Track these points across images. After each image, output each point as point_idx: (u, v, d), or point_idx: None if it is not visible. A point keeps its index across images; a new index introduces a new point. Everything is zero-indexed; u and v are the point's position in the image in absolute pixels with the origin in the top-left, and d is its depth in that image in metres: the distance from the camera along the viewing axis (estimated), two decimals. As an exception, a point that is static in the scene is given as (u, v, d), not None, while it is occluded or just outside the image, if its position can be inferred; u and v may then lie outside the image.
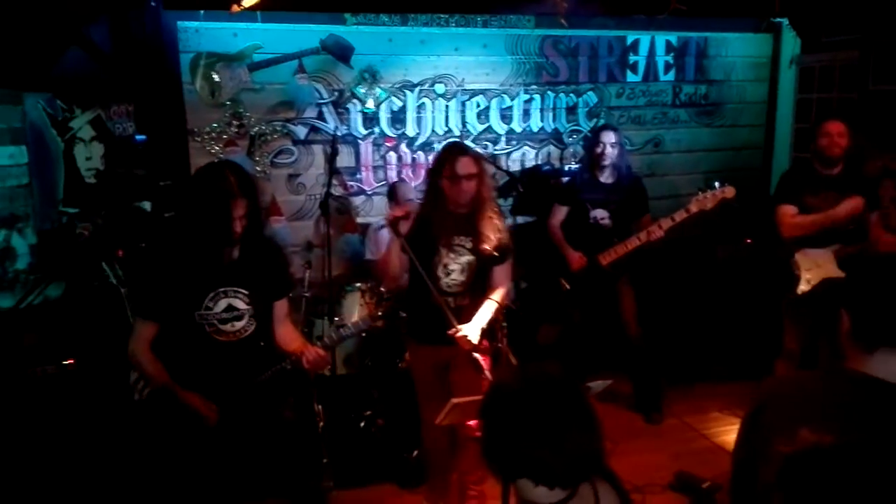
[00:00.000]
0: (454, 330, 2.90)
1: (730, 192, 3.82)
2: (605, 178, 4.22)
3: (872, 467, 1.31)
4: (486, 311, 3.06)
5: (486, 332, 3.08)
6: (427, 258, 3.00)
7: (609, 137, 4.15)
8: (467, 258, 3.06)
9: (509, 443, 1.43)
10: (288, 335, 2.65)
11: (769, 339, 4.06)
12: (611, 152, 4.13)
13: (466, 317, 3.02)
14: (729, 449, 3.81)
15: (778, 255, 3.84)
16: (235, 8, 2.56)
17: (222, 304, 2.43)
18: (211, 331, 2.43)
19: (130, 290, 3.45)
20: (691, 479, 3.53)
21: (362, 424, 3.82)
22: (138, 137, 4.22)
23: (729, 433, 4.08)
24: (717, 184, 3.86)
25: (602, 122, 5.22)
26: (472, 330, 2.95)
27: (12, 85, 3.76)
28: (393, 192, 4.47)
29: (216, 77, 4.36)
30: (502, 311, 3.15)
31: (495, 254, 3.06)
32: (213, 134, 4.45)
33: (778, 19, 5.37)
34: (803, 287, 3.69)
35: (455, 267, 3.06)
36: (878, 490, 1.29)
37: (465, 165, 2.97)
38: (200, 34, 4.33)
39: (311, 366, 2.55)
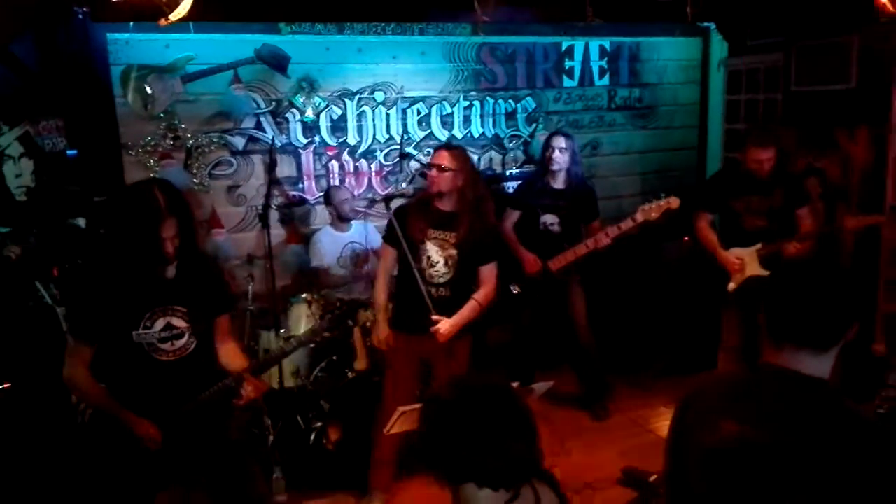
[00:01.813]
0: (436, 318, 3.15)
1: (675, 202, 3.95)
2: (557, 183, 4.30)
3: (787, 457, 1.38)
4: (467, 309, 3.30)
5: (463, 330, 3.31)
6: (414, 249, 3.23)
7: (559, 143, 4.23)
8: (450, 252, 3.26)
9: (451, 450, 1.48)
10: (230, 353, 2.62)
11: (712, 334, 4.21)
12: (559, 157, 4.21)
13: (447, 308, 3.25)
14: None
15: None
16: (164, 21, 2.52)
17: (160, 323, 2.39)
18: (150, 350, 2.38)
19: (67, 310, 3.35)
20: (638, 474, 3.62)
21: (313, 437, 3.79)
22: (70, 153, 4.09)
23: (672, 427, 4.19)
24: (662, 194, 3.99)
25: (541, 127, 5.32)
26: (449, 324, 3.20)
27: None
28: (328, 197, 4.51)
29: (148, 89, 4.26)
30: (480, 311, 3.33)
31: (479, 249, 3.29)
32: (148, 147, 4.35)
33: (706, 24, 5.56)
34: (731, 285, 3.88)
35: (438, 259, 3.28)
36: (791, 478, 1.36)
37: (440, 157, 3.28)
38: (131, 46, 4.23)
39: (252, 397, 2.52)
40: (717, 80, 5.80)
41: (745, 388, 1.58)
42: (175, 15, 2.39)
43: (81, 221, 4.05)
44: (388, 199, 3.47)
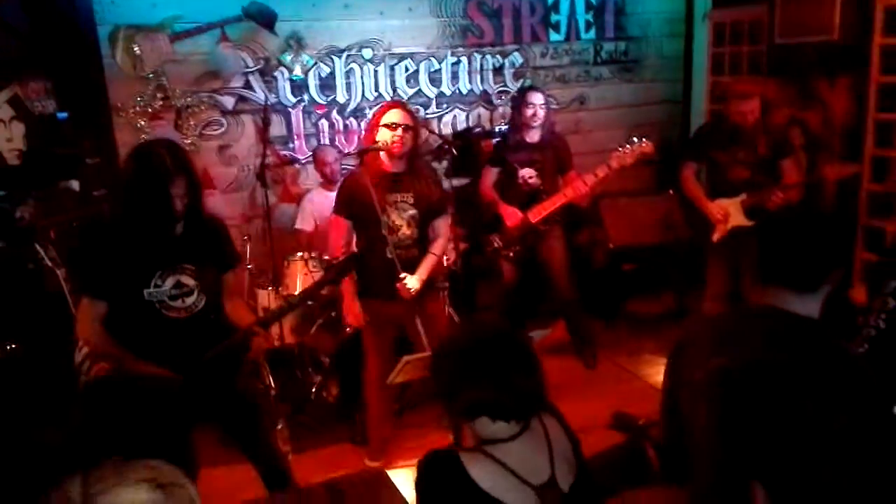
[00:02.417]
0: (402, 276, 3.16)
1: (648, 146, 4.05)
2: (531, 137, 4.33)
3: (777, 384, 1.49)
4: (426, 263, 3.33)
5: (427, 283, 3.34)
6: (373, 217, 3.17)
7: (538, 99, 4.26)
8: (410, 213, 3.27)
9: (466, 388, 1.60)
10: (237, 309, 2.69)
11: (697, 282, 4.34)
12: (540, 114, 4.26)
13: (414, 268, 3.27)
14: (661, 388, 4.11)
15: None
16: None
17: (170, 281, 2.45)
18: (161, 308, 2.45)
19: (70, 270, 3.40)
20: (628, 418, 3.76)
21: (314, 390, 3.91)
22: (60, 115, 4.08)
23: (661, 374, 4.30)
24: (635, 139, 4.07)
25: (528, 82, 5.35)
26: (413, 281, 3.22)
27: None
28: (315, 159, 4.53)
29: (137, 49, 4.24)
30: (442, 263, 3.34)
31: (435, 206, 3.31)
32: (138, 108, 4.34)
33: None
34: (716, 235, 4.00)
35: (401, 222, 3.27)
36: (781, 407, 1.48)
37: (399, 116, 3.19)
38: (117, 5, 4.18)
39: (262, 349, 2.63)
40: (701, 32, 5.83)
41: (736, 326, 1.69)
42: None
43: (75, 184, 4.07)
44: (361, 154, 3.34)
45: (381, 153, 3.24)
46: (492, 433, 1.62)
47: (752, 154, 3.92)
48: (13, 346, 3.10)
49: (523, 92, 4.42)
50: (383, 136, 3.19)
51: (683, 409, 1.68)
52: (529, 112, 4.25)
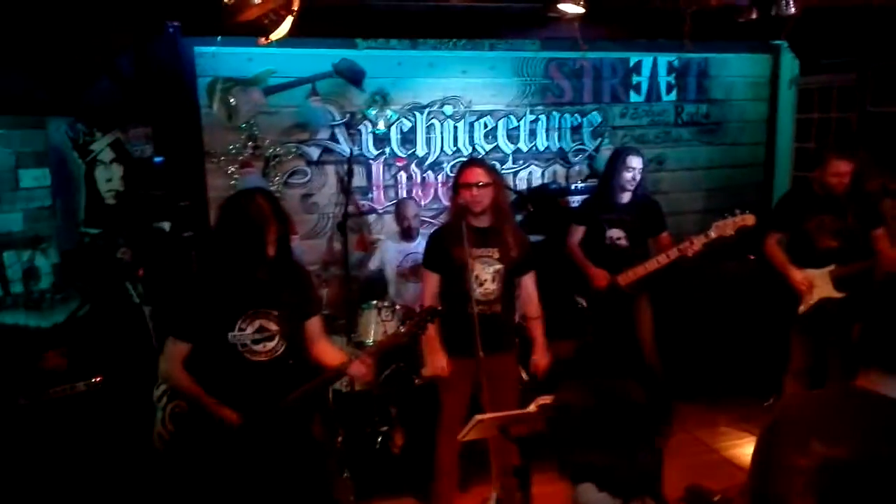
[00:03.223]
0: (536, 358, 3.37)
1: (750, 219, 3.91)
2: (622, 198, 4.27)
3: (876, 478, 1.41)
4: (539, 331, 3.40)
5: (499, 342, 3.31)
6: (458, 273, 3.19)
7: (636, 163, 4.20)
8: (496, 267, 3.27)
9: (585, 448, 1.54)
10: (327, 351, 2.74)
11: (776, 356, 4.16)
12: (636, 177, 4.20)
13: (500, 324, 3.29)
14: (737, 462, 3.94)
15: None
16: (264, 41, 2.67)
17: (255, 325, 2.52)
18: (243, 351, 2.51)
19: (157, 310, 3.54)
20: (702, 492, 3.60)
21: (379, 440, 3.90)
22: (156, 159, 4.31)
23: (737, 447, 4.18)
24: (737, 211, 3.95)
25: (607, 141, 5.35)
26: (545, 357, 3.39)
27: (38, 111, 3.87)
28: (399, 210, 4.59)
29: (233, 101, 4.47)
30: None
31: (521, 261, 3.30)
32: (230, 156, 4.56)
33: (776, 41, 5.51)
34: (802, 307, 3.84)
35: (486, 277, 3.26)
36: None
37: (475, 174, 3.22)
38: (217, 59, 4.44)
39: (356, 376, 2.70)
40: (787, 97, 5.74)
41: (835, 409, 1.61)
42: (277, 34, 2.53)
43: (166, 225, 4.25)
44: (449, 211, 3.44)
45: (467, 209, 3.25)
46: (591, 501, 1.55)
47: (841, 222, 3.79)
48: (96, 379, 3.22)
49: (622, 153, 4.33)
50: (462, 195, 3.22)
51: (777, 490, 1.60)
52: (629, 175, 4.19)
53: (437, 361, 3.33)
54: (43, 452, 3.06)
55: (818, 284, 3.82)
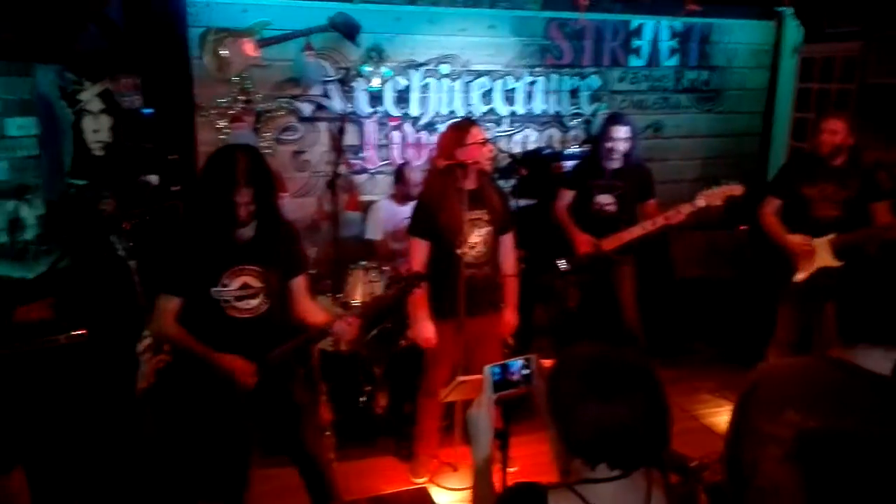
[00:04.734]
0: (509, 318, 3.37)
1: (738, 189, 3.91)
2: (613, 163, 4.23)
3: (847, 450, 1.41)
4: (513, 289, 3.40)
5: (487, 303, 3.35)
6: (450, 237, 3.17)
7: (620, 133, 4.15)
8: (486, 229, 3.26)
9: (582, 425, 1.41)
10: (312, 310, 2.73)
11: (761, 325, 4.17)
12: (621, 149, 4.16)
13: (490, 285, 3.32)
14: (717, 430, 3.98)
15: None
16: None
17: (238, 281, 2.51)
18: (226, 307, 2.51)
19: (142, 264, 3.51)
20: (680, 458, 3.65)
21: (363, 399, 3.92)
22: (145, 111, 4.24)
23: (717, 415, 4.22)
24: (722, 180, 3.94)
25: (604, 106, 5.28)
26: (515, 315, 3.38)
27: (25, 57, 3.79)
28: (400, 175, 4.51)
29: (225, 52, 4.37)
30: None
31: (505, 219, 3.33)
32: (220, 109, 4.48)
33: (781, 8, 5.40)
34: (801, 275, 3.79)
35: (477, 240, 3.26)
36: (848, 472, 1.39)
37: (480, 132, 3.24)
38: (210, 9, 4.33)
39: (340, 335, 2.71)
40: (788, 66, 5.65)
41: (812, 379, 1.60)
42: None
43: (154, 178, 4.21)
44: (451, 169, 3.24)
45: (460, 170, 3.21)
46: (592, 474, 1.42)
47: (844, 192, 3.73)
48: (80, 332, 3.20)
49: (608, 121, 4.29)
50: (476, 153, 3.17)
51: (749, 456, 1.61)
52: (609, 145, 4.17)
53: (423, 331, 3.31)
54: (19, 405, 3.05)
55: (817, 253, 3.77)
